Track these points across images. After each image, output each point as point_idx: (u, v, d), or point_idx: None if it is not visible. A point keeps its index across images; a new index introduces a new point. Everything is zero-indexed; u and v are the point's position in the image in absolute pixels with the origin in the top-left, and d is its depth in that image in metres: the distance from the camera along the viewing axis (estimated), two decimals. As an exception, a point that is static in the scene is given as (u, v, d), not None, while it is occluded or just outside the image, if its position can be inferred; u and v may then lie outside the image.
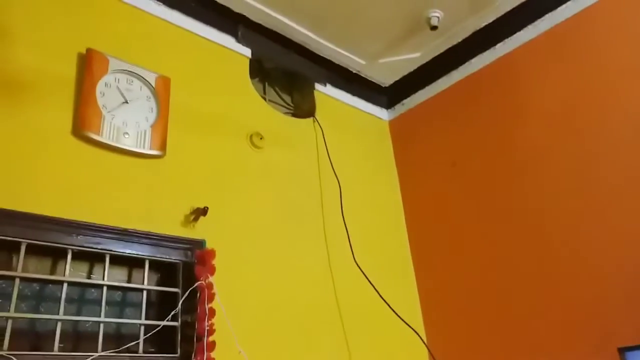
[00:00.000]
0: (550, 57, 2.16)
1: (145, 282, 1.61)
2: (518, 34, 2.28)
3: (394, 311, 2.10)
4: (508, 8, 2.29)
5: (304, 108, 2.47)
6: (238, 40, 2.22)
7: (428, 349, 2.19)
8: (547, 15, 2.20)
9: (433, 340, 2.24)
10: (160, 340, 1.56)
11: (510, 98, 2.26)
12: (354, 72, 2.63)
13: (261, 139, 2.07)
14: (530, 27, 2.24)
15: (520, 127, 2.20)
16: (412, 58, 2.57)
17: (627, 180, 1.83)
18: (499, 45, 2.34)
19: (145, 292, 1.61)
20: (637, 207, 1.79)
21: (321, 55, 2.50)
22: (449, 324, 2.22)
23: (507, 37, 2.31)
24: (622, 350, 1.57)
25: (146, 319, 1.58)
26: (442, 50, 2.53)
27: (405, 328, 2.12)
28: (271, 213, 2.01)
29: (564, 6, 2.15)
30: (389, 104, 2.78)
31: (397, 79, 2.71)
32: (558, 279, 1.93)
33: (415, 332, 2.15)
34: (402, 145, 2.68)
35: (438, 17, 2.30)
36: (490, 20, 2.35)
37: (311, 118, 2.39)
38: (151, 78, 1.85)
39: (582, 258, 1.88)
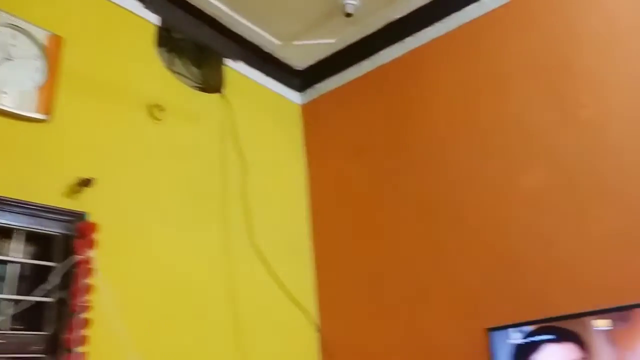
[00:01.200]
0: (454, 54, 2.24)
1: (20, 254, 1.51)
2: (427, 29, 2.34)
3: (285, 291, 2.11)
4: (421, 3, 2.35)
5: (212, 83, 2.40)
6: (146, 6, 2.11)
7: (318, 330, 2.24)
8: (454, 14, 2.28)
9: (327, 323, 2.28)
10: (31, 317, 1.47)
11: (416, 91, 2.33)
12: (268, 51, 2.60)
13: (162, 111, 1.99)
14: (438, 24, 2.32)
15: (423, 119, 2.28)
16: (327, 43, 2.58)
17: (512, 174, 1.96)
18: (408, 39, 2.40)
19: (19, 266, 1.51)
20: (517, 200, 1.92)
21: (234, 31, 2.44)
22: (343, 307, 2.27)
23: (417, 31, 2.37)
24: (489, 330, 1.69)
25: (18, 294, 1.48)
26: (356, 39, 2.55)
27: (298, 310, 2.15)
28: (167, 189, 1.95)
29: (470, 7, 2.23)
30: (301, 87, 2.77)
31: (311, 63, 2.70)
32: (444, 264, 2.03)
33: (305, 312, 2.18)
34: (312, 130, 2.69)
35: (353, 5, 2.31)
36: (403, 14, 2.40)
37: (219, 94, 2.33)
38: (41, 36, 1.72)
39: (466, 246, 2.00)
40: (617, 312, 1.53)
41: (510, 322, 1.70)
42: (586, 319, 1.57)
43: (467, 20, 2.23)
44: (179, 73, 2.34)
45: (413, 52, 2.38)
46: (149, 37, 2.10)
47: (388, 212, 2.27)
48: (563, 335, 1.60)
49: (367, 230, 2.32)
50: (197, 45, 2.44)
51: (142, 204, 1.83)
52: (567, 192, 1.84)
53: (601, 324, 1.55)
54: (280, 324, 2.15)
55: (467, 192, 2.06)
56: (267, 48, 2.58)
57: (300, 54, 2.65)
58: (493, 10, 2.17)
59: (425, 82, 2.32)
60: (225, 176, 2.19)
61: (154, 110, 1.97)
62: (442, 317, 1.97)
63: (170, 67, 2.27)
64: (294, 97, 2.75)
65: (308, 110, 2.74)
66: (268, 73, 2.62)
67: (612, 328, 1.53)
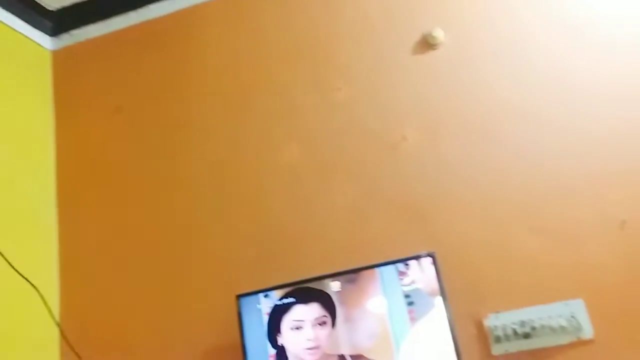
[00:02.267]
0: (225, 21, 2.22)
1: None
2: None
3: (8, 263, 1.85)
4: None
5: None
6: None
7: (48, 310, 2.02)
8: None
9: (67, 299, 2.08)
10: None
11: (182, 54, 2.24)
12: (11, -18, 2.19)
13: None
14: (207, -15, 2.26)
15: (189, 83, 2.21)
16: (88, -15, 2.29)
17: (272, 150, 2.05)
18: (178, -4, 2.28)
19: None
20: (275, 173, 2.02)
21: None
22: (87, 283, 2.10)
23: (186, -10, 2.28)
24: (239, 297, 1.76)
25: None
26: (122, -14, 2.33)
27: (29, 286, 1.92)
28: None
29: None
30: (53, 31, 2.41)
31: (65, 4, 2.37)
32: (201, 236, 2.03)
33: (35, 288, 1.95)
34: (65, 81, 2.38)
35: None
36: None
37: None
38: None
39: (226, 218, 2.03)
40: (347, 274, 1.74)
41: (260, 288, 1.79)
42: (326, 281, 1.75)
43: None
44: None
45: (183, 12, 2.27)
46: None
47: (145, 180, 2.16)
48: (308, 297, 1.75)
49: (120, 199, 2.17)
50: None
51: None
52: (317, 167, 2.00)
53: (334, 285, 1.74)
54: (7, 303, 1.87)
55: (229, 164, 2.08)
56: (10, -22, 2.18)
57: (54, -8, 2.30)
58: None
59: (195, 45, 2.24)
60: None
61: None
62: (196, 288, 1.97)
63: None
64: (45, 41, 2.39)
65: (61, 59, 2.41)
66: (12, 9, 2.21)
67: (341, 290, 1.73)
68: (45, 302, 1.98)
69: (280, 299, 1.76)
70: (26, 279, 1.90)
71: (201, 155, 2.12)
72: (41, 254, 2.09)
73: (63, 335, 2.01)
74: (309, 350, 1.69)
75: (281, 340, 1.73)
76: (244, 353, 1.73)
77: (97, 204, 2.19)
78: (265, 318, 1.76)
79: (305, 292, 1.77)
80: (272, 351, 1.73)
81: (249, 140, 2.09)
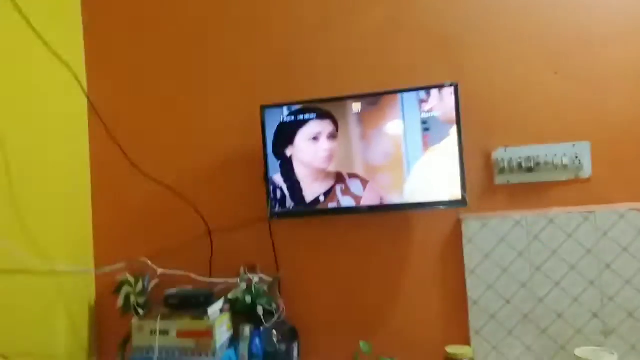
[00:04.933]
0: None
1: None
2: None
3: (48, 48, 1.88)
4: None
5: None
6: None
7: (87, 98, 2.11)
8: None
9: (94, 86, 2.14)
10: None
11: None
12: None
13: None
14: None
15: None
16: None
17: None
18: None
19: None
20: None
21: None
22: (114, 64, 2.12)
23: None
24: (263, 108, 1.84)
25: None
26: None
27: (62, 69, 1.96)
28: None
29: None
30: None
31: None
32: (226, 50, 2.04)
33: (75, 77, 2.02)
34: None
35: None
36: None
37: None
38: None
39: (253, 30, 2.01)
40: (370, 97, 1.79)
41: (282, 102, 1.86)
42: (348, 101, 1.81)
43: None
44: None
45: None
46: None
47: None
48: (323, 114, 1.84)
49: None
50: None
51: None
52: (350, -15, 1.94)
53: (355, 106, 1.81)
54: (43, 86, 1.94)
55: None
56: None
57: None
58: None
59: None
60: None
61: None
62: (221, 97, 2.03)
63: None
64: None
65: None
66: None
67: (361, 111, 1.80)
68: (75, 76, 2.04)
69: (298, 113, 1.84)
70: (58, 56, 1.93)
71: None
72: (69, 32, 2.10)
73: (92, 106, 2.11)
74: (324, 158, 1.82)
75: (291, 151, 1.84)
76: (266, 161, 1.86)
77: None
78: (282, 128, 1.86)
79: (320, 109, 1.84)
80: (276, 163, 1.86)
81: None
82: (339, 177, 1.82)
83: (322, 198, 1.83)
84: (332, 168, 1.82)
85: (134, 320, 1.82)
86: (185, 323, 1.76)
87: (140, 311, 1.91)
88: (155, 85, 2.08)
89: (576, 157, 1.75)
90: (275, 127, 1.86)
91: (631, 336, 1.67)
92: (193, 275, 1.89)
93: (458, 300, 1.82)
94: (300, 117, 1.85)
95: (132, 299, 1.94)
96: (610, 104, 1.73)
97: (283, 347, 1.83)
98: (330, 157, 1.82)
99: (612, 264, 1.69)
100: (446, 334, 1.83)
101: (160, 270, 1.85)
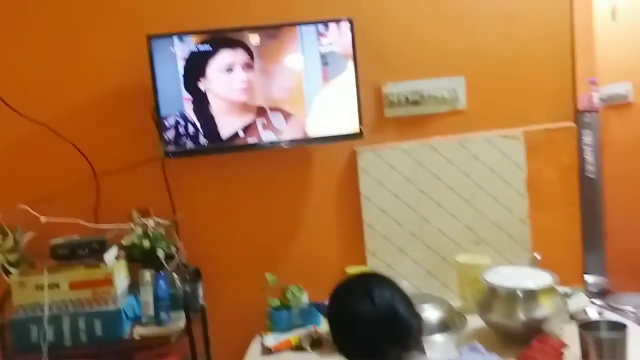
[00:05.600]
0: None
1: None
2: None
3: None
4: None
5: None
6: None
7: None
8: None
9: None
10: None
11: None
12: None
13: None
14: None
15: None
16: None
17: None
18: None
19: None
20: None
21: None
22: None
23: None
24: (150, 38, 1.69)
25: None
26: None
27: None
28: None
29: None
30: None
31: None
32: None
33: None
34: None
35: None
36: None
37: None
38: None
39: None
40: (269, 29, 1.76)
41: (172, 31, 1.72)
42: (245, 32, 1.74)
43: None
44: None
45: None
46: None
47: None
48: (234, 43, 1.75)
49: None
50: None
51: None
52: None
53: (253, 38, 1.76)
54: None
55: None
56: None
57: None
58: None
59: None
60: None
61: None
62: (107, 28, 1.82)
63: None
64: None
65: None
66: None
67: (260, 44, 1.76)
68: None
69: (203, 43, 1.73)
70: None
71: None
72: None
73: None
74: (241, 90, 1.76)
75: (204, 84, 1.75)
76: (155, 96, 1.73)
77: None
78: (182, 63, 1.74)
79: (225, 40, 1.76)
80: (187, 95, 1.75)
81: None
82: (261, 111, 1.78)
83: (241, 133, 1.77)
84: (252, 101, 1.76)
85: (13, 277, 1.60)
86: (79, 273, 1.61)
87: (13, 270, 1.69)
88: (31, 15, 1.78)
89: (453, 90, 1.95)
90: (185, 59, 1.72)
91: (497, 244, 1.98)
92: (82, 222, 1.71)
93: (355, 226, 1.95)
94: (206, 47, 1.74)
95: (0, 258, 1.70)
96: (482, 42, 1.95)
97: (188, 288, 1.78)
98: (247, 89, 1.76)
99: (482, 183, 1.96)
100: (345, 256, 1.95)
101: (43, 218, 1.64)
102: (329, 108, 1.81)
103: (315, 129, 1.81)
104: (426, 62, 1.95)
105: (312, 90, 1.80)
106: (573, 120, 2.05)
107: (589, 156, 3.34)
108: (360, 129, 1.82)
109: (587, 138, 3.39)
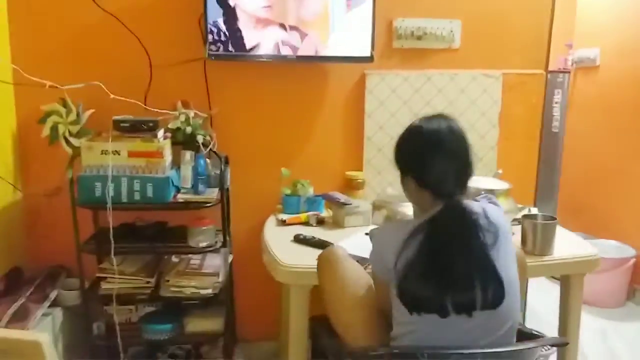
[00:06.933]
0: None
1: None
2: None
3: None
4: None
5: None
6: None
7: None
8: None
9: None
10: None
11: None
12: None
13: None
14: None
15: None
16: None
17: None
18: None
19: None
20: None
21: None
22: None
23: None
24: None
25: None
26: None
27: None
28: None
29: None
30: None
31: None
32: None
33: None
34: None
35: None
36: None
37: None
38: None
39: None
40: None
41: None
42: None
43: None
44: None
45: None
46: None
47: None
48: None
49: None
50: None
51: None
52: None
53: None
54: None
55: None
56: None
57: None
58: None
59: None
60: None
61: None
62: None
63: None
64: None
65: None
66: None
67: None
68: None
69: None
70: None
71: None
72: None
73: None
74: (265, 8, 2.09)
75: (234, 0, 2.06)
76: (205, 4, 2.04)
77: None
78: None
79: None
80: (220, 11, 2.06)
81: None
82: (281, 28, 2.11)
83: (261, 46, 2.12)
84: (274, 18, 2.09)
85: (84, 141, 1.95)
86: (137, 144, 1.96)
87: (73, 140, 2.03)
88: None
89: (451, 31, 2.33)
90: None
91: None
92: (141, 104, 2.05)
93: (357, 138, 2.35)
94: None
95: (61, 128, 2.03)
96: (480, -6, 2.34)
97: (218, 171, 2.16)
98: (271, 7, 2.09)
99: (464, 113, 2.38)
100: (346, 162, 2.37)
101: (112, 96, 1.97)
102: (348, 32, 2.16)
103: (334, 49, 2.17)
104: (432, 3, 2.31)
105: (336, 15, 2.14)
106: (544, 69, 2.47)
107: (557, 113, 3.79)
108: (372, 54, 2.19)
109: (557, 97, 3.83)
